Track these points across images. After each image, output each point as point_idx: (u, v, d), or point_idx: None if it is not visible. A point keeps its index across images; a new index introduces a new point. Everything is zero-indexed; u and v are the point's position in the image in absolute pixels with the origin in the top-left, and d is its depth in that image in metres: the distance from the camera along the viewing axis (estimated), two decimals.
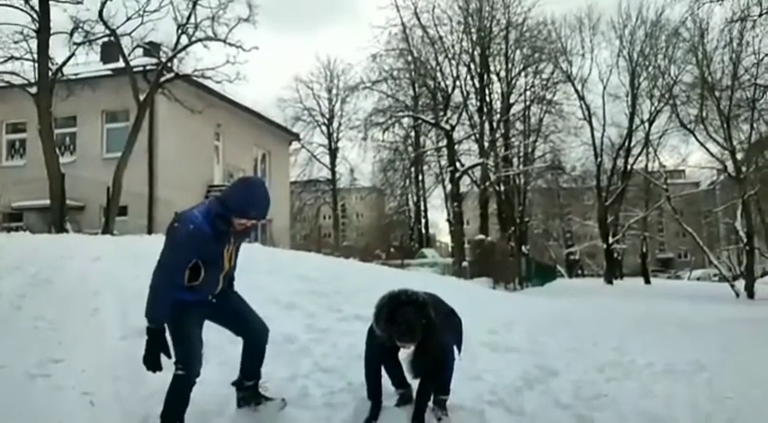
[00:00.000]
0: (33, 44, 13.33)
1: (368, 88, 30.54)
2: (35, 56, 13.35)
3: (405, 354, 3.67)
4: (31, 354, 4.00)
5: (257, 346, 3.44)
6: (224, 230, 3.10)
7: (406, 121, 31.67)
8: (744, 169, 21.45)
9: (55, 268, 5.72)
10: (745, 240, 21.61)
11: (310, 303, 5.89)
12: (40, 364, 3.89)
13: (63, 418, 3.31)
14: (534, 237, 42.16)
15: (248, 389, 3.52)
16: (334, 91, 38.24)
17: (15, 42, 13.55)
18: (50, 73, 13.39)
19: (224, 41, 14.59)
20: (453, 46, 28.80)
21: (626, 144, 31.29)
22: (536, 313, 8.95)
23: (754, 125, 21.51)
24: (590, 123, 31.22)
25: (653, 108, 29.78)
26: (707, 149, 23.73)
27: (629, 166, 31.52)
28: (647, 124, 30.38)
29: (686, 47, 24.35)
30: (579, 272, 47.64)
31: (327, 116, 38.45)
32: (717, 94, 21.26)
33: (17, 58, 13.70)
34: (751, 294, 19.85)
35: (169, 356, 3.10)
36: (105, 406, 3.55)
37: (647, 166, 31.65)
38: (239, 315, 3.36)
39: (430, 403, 3.63)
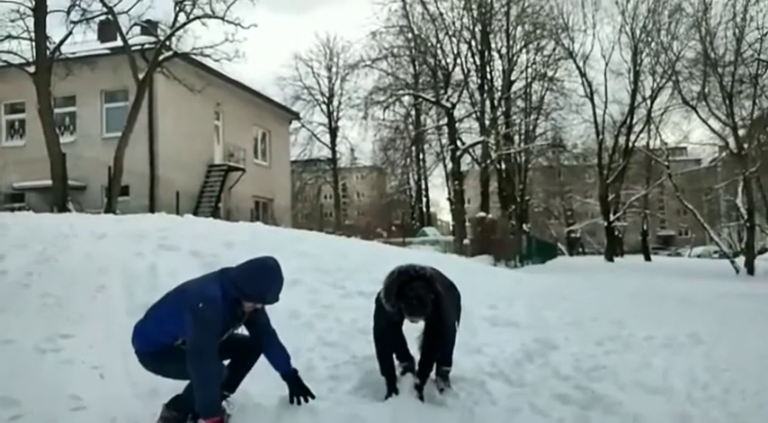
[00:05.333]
0: (30, 23, 13.21)
1: (368, 66, 30.32)
2: (32, 35, 13.24)
3: (414, 329, 3.74)
4: (40, 329, 4.06)
5: (249, 358, 3.31)
6: (238, 316, 3.12)
7: (406, 99, 31.50)
8: (745, 146, 21.37)
9: (60, 246, 5.75)
10: (745, 217, 21.62)
11: (313, 280, 5.95)
12: (50, 340, 3.96)
13: (74, 391, 3.39)
14: (535, 215, 42.23)
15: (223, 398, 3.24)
16: (333, 69, 37.98)
17: (12, 21, 13.44)
18: (48, 52, 13.30)
19: (222, 19, 14.43)
20: (454, 23, 28.50)
21: (628, 121, 31.18)
22: (536, 289, 9.02)
23: (757, 101, 21.33)
24: (591, 101, 31.08)
25: (655, 85, 29.64)
26: (709, 126, 23.61)
27: (630, 144, 31.45)
28: (648, 101, 30.25)
29: (689, 22, 24.09)
30: (580, 249, 47.82)
31: (327, 95, 38.23)
32: (719, 70, 21.07)
33: (14, 37, 13.60)
34: (751, 270, 19.96)
35: None
36: (115, 379, 3.63)
37: (648, 143, 31.54)
38: (231, 342, 3.22)
39: (432, 375, 3.71)
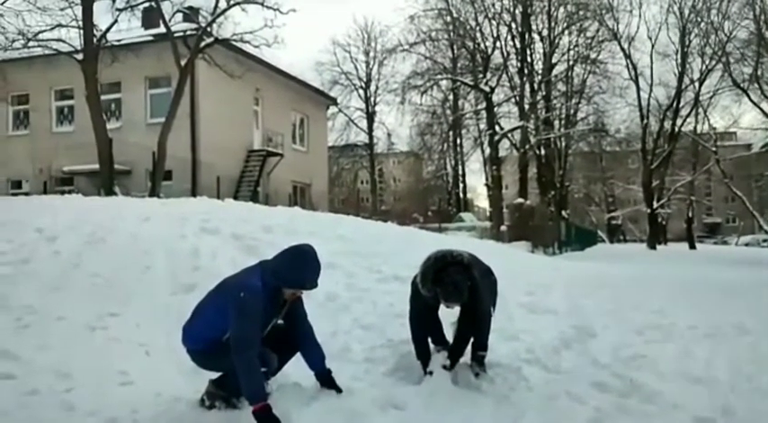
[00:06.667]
0: (78, 11, 13.58)
1: (405, 50, 30.09)
2: (80, 23, 13.61)
3: (450, 314, 3.76)
4: (89, 308, 4.25)
5: (289, 351, 3.39)
6: (279, 304, 3.19)
7: (444, 83, 31.21)
8: None
9: (108, 228, 5.96)
10: None
11: (351, 264, 6.02)
12: (99, 318, 4.14)
13: (122, 367, 3.55)
14: (575, 201, 41.41)
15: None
16: (371, 54, 37.91)
17: (61, 9, 13.83)
18: (95, 39, 13.67)
19: (261, 4, 14.53)
20: (494, 5, 27.96)
21: (674, 105, 30.09)
22: (574, 276, 8.90)
23: None
24: (636, 83, 30.11)
25: (704, 67, 28.49)
26: (761, 110, 22.64)
27: (676, 128, 30.37)
28: (697, 84, 29.13)
29: (742, 1, 23.02)
30: (621, 237, 46.74)
31: (365, 80, 38.22)
32: None
33: (63, 26, 14.00)
34: None
35: None
36: (160, 356, 3.78)
37: (695, 127, 30.45)
38: (274, 333, 3.31)
39: (468, 359, 3.72)
